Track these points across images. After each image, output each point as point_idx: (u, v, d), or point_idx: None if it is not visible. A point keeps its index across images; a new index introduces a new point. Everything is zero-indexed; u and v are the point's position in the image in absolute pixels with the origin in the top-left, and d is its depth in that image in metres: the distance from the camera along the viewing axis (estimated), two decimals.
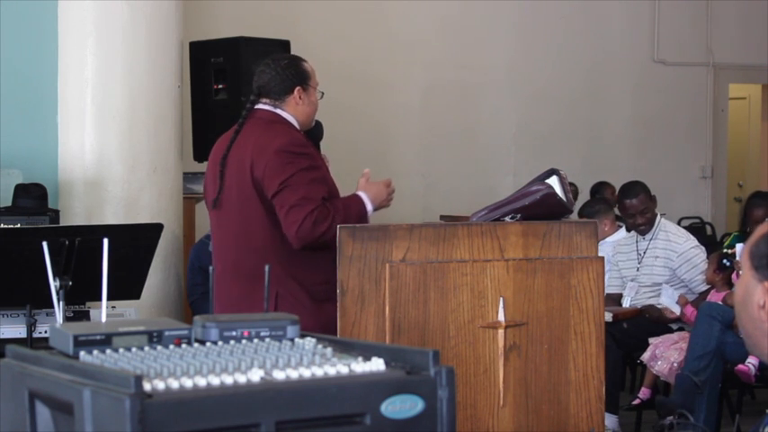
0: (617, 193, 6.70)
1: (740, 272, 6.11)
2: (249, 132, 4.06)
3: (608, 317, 5.75)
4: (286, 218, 3.87)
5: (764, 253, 1.95)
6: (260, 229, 3.97)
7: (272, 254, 3.90)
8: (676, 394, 5.75)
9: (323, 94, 4.24)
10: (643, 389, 6.32)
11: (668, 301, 6.37)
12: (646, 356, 6.05)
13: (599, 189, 10.06)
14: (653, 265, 6.44)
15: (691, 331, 5.93)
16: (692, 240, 6.51)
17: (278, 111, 4.10)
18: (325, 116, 6.13)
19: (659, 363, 5.97)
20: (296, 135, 4.06)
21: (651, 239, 6.47)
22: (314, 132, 4.30)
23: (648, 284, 6.44)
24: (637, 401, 6.29)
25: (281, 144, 3.95)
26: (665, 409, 5.65)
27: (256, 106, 4.12)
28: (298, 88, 4.11)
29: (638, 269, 6.50)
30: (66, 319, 4.74)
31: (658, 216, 6.59)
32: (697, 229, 11.07)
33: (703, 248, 6.52)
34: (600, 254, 3.77)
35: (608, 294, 6.34)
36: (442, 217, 3.96)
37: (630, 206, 6.50)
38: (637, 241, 6.54)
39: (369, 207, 4.04)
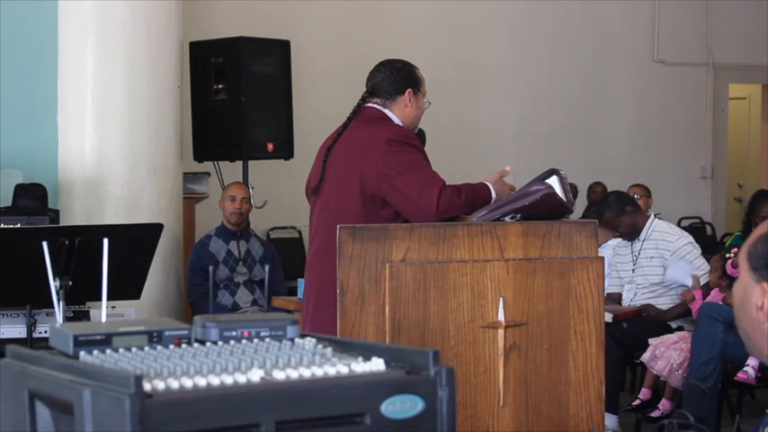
0: None
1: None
2: (356, 128, 4.12)
3: (608, 317, 5.75)
4: (421, 196, 3.89)
5: (762, 254, 1.94)
6: (353, 220, 3.97)
7: None
8: (688, 405, 5.74)
9: (430, 103, 4.27)
10: (643, 389, 6.33)
11: (676, 274, 6.34)
12: (646, 357, 6.05)
13: (590, 189, 10.06)
14: (647, 266, 6.45)
15: (693, 333, 5.92)
16: (686, 237, 6.52)
17: (386, 110, 4.16)
18: (325, 117, 6.14)
19: (659, 363, 5.97)
20: (404, 128, 4.11)
21: (644, 240, 6.49)
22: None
23: (645, 285, 6.45)
24: (637, 402, 6.29)
25: (391, 134, 4.00)
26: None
27: (366, 105, 4.16)
28: (409, 90, 4.18)
29: (633, 270, 6.52)
30: (67, 319, 4.74)
31: (651, 217, 6.62)
32: (697, 229, 11.08)
33: (698, 246, 6.51)
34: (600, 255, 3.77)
35: (608, 294, 6.36)
36: None
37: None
38: (632, 243, 6.57)
39: (494, 196, 4.04)
